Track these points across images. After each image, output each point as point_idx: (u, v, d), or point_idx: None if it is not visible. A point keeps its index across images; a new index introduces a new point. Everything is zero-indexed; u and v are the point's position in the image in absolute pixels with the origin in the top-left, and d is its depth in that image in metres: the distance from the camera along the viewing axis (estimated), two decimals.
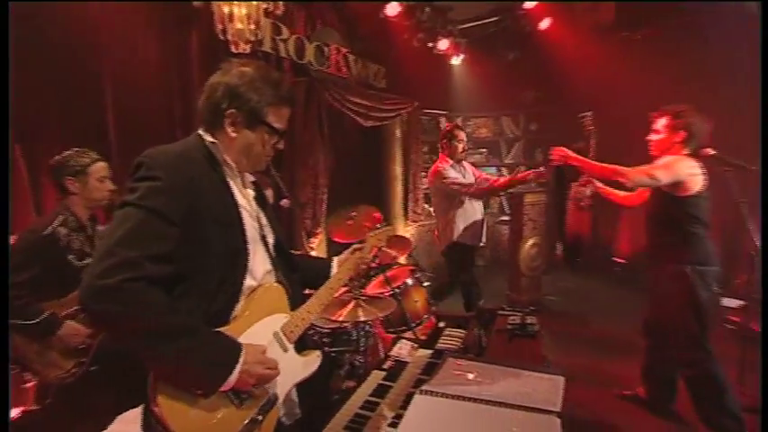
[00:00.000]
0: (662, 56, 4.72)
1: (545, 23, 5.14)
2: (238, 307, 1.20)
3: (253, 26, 2.52)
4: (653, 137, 2.45)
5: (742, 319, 3.12)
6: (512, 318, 1.65)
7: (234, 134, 1.21)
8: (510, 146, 6.50)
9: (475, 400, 1.08)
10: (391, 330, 2.59)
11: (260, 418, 1.16)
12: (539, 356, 1.45)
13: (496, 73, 5.88)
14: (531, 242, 4.65)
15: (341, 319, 2.20)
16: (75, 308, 1.88)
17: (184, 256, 1.09)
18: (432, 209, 3.67)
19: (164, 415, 1.01)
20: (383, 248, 2.91)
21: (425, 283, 3.06)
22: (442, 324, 1.80)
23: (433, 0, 5.05)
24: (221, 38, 2.63)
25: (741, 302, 3.67)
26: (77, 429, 1.91)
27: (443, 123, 6.28)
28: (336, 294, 2.55)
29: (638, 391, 2.72)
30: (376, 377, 1.60)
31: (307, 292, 1.47)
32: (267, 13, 3.29)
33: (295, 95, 1.30)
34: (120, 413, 1.50)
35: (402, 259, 3.45)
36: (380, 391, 1.43)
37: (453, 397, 1.10)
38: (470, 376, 1.23)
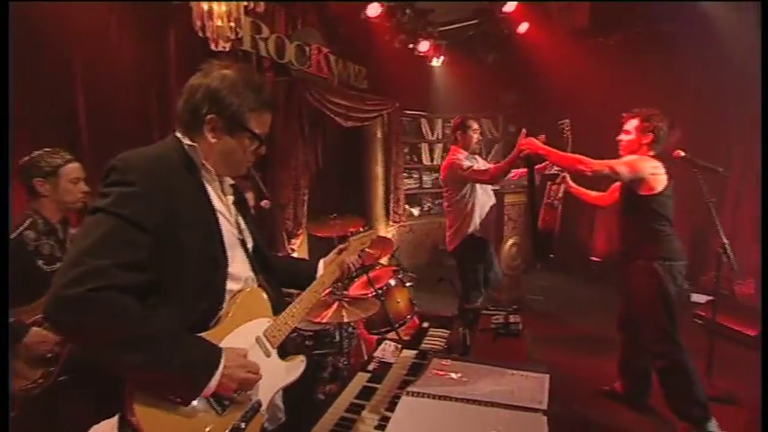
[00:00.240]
0: (633, 60, 4.88)
1: (523, 27, 5.21)
2: (219, 313, 1.17)
3: (233, 24, 2.48)
4: (623, 137, 2.55)
5: (709, 313, 3.24)
6: (495, 317, 1.66)
7: (213, 140, 1.17)
8: (489, 147, 6.58)
9: (462, 400, 1.08)
10: (374, 331, 2.59)
11: (243, 425, 1.13)
12: (523, 355, 1.47)
13: (476, 75, 5.94)
14: (511, 242, 4.72)
15: (324, 320, 2.17)
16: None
17: (160, 263, 1.05)
18: (444, 203, 3.45)
19: (140, 425, 0.98)
20: (366, 251, 2.92)
21: (408, 284, 3.07)
22: (425, 324, 1.80)
23: (414, 1, 5.07)
24: (200, 35, 2.57)
25: (709, 298, 3.81)
26: None
27: (424, 125, 6.32)
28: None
29: (615, 386, 2.79)
30: (360, 379, 1.58)
31: (294, 293, 1.45)
32: (247, 11, 3.24)
33: (277, 99, 1.27)
34: (93, 425, 1.44)
35: (384, 260, 3.45)
36: (365, 393, 1.42)
37: (440, 398, 1.10)
38: (456, 376, 1.23)
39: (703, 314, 3.72)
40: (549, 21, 5.33)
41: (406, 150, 6.17)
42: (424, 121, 6.31)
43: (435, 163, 6.42)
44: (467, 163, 3.25)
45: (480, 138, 3.48)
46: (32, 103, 2.39)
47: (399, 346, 1.77)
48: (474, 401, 1.07)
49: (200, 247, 1.12)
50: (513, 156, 3.16)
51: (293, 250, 3.78)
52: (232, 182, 1.33)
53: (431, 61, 5.63)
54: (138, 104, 2.97)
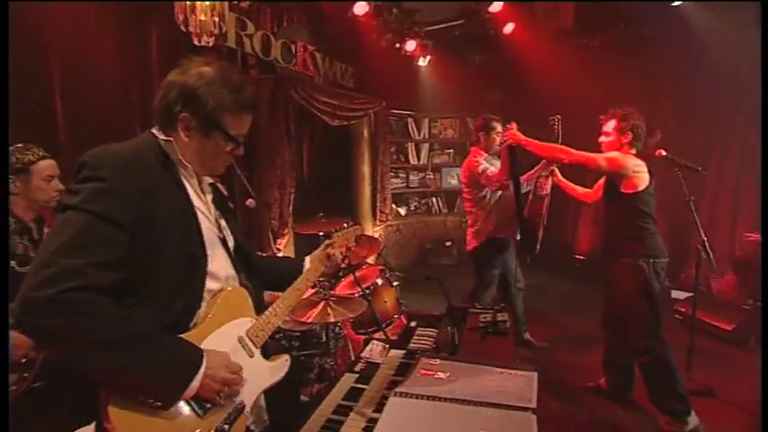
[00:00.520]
0: (616, 61, 4.97)
1: (509, 28, 5.25)
2: (200, 312, 1.13)
3: (216, 18, 2.43)
4: (603, 139, 2.60)
5: (689, 309, 3.31)
6: (483, 315, 1.66)
7: (187, 138, 1.14)
8: None
9: (450, 400, 1.06)
10: (361, 331, 2.56)
11: (226, 427, 1.10)
12: (510, 353, 1.46)
13: (463, 75, 5.96)
14: None
15: (309, 320, 2.14)
16: None
17: (136, 262, 1.01)
18: (465, 204, 3.42)
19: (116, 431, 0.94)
20: (352, 248, 2.89)
21: (395, 283, 3.05)
22: (413, 324, 1.78)
23: (401, 1, 5.06)
24: (182, 29, 2.51)
25: (689, 294, 3.89)
26: None
27: (411, 124, 6.32)
28: (304, 295, 2.51)
29: (600, 382, 2.82)
30: (348, 380, 1.56)
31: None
32: (232, 7, 3.19)
33: (258, 100, 1.23)
34: None
35: (371, 259, 3.43)
36: (353, 394, 1.39)
37: (428, 398, 1.08)
38: (444, 376, 1.22)
39: (683, 310, 3.79)
40: (535, 21, 5.38)
41: (392, 150, 6.17)
42: (410, 120, 6.31)
43: (422, 162, 6.43)
44: (483, 166, 3.21)
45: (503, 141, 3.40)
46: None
47: (387, 345, 1.76)
48: (462, 401, 1.06)
49: (177, 245, 1.08)
50: (504, 153, 3.18)
51: (279, 250, 3.73)
52: (211, 180, 1.30)
53: (417, 61, 5.64)
54: (120, 101, 2.90)
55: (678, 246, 4.30)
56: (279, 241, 3.72)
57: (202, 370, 1.03)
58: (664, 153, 2.66)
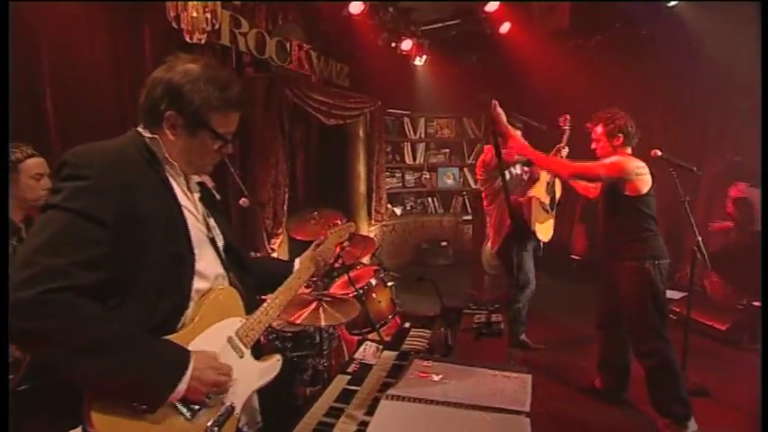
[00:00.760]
0: (612, 61, 4.99)
1: (505, 27, 5.24)
2: (187, 313, 1.11)
3: (208, 15, 2.39)
4: (595, 145, 2.58)
5: (684, 309, 3.31)
6: (477, 316, 1.64)
7: (173, 137, 1.12)
8: (472, 146, 6.60)
9: (443, 403, 1.05)
10: (355, 332, 2.54)
11: (215, 429, 1.08)
12: (504, 354, 1.45)
13: (459, 74, 5.96)
14: None
15: (300, 321, 2.12)
16: None
17: (120, 261, 0.99)
18: (484, 203, 3.41)
19: None
20: (346, 248, 2.87)
21: (390, 283, 3.03)
22: (407, 324, 1.76)
23: (397, 0, 5.04)
24: (174, 26, 2.48)
25: (683, 294, 3.89)
26: None
27: (407, 124, 6.30)
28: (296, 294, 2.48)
29: (595, 382, 2.81)
30: (340, 381, 1.54)
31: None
32: (225, 5, 3.16)
33: (245, 98, 1.21)
34: None
35: (366, 259, 3.41)
36: (345, 396, 1.38)
37: (420, 401, 1.06)
38: (437, 378, 1.20)
39: (677, 310, 3.79)
40: (531, 22, 5.38)
41: (388, 149, 6.16)
42: (406, 120, 6.30)
43: (418, 162, 6.42)
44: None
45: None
46: None
47: (380, 347, 1.74)
48: (455, 404, 1.04)
49: (163, 244, 1.06)
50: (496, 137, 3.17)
51: (273, 250, 3.71)
52: (199, 179, 1.28)
53: (413, 60, 5.63)
54: (112, 99, 2.87)
55: (673, 246, 4.30)
56: (273, 241, 3.70)
57: (189, 371, 1.01)
58: (659, 153, 2.65)
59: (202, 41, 2.50)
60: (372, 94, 5.20)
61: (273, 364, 1.30)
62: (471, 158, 6.58)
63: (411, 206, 6.49)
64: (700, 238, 2.63)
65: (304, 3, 4.38)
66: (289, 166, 4.02)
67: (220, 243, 1.26)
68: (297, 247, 3.54)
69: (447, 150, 6.59)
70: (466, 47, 5.92)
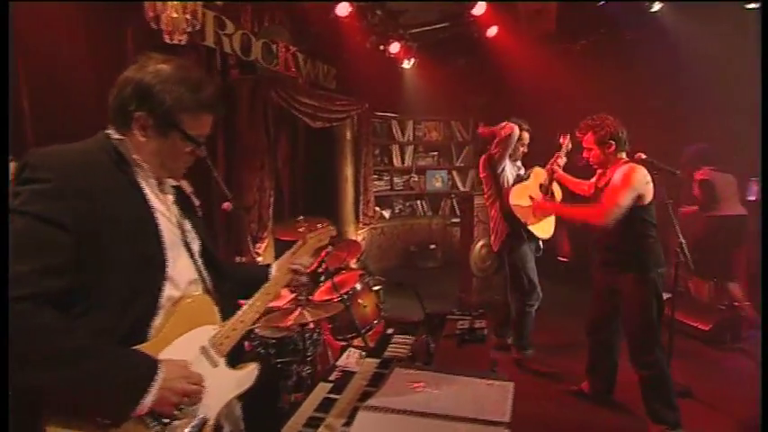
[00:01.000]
0: (598, 65, 5.05)
1: (492, 31, 5.27)
2: (157, 321, 1.07)
3: (188, 16, 2.35)
4: (586, 155, 2.53)
5: (668, 310, 3.33)
6: (461, 322, 1.62)
7: (143, 138, 1.09)
8: (460, 149, 6.62)
9: (421, 414, 1.02)
10: (340, 338, 2.51)
11: None
12: (487, 361, 1.43)
13: (447, 77, 5.96)
14: (481, 243, 4.72)
15: (288, 324, 2.09)
16: None
17: (85, 267, 0.96)
18: (486, 202, 3.39)
19: None
20: (331, 252, 2.84)
21: (377, 287, 3.02)
22: (390, 331, 1.74)
23: (384, 1, 5.03)
24: (154, 27, 2.43)
25: (667, 295, 3.92)
26: None
27: (395, 126, 6.29)
28: (277, 301, 2.44)
29: (582, 386, 2.81)
30: (322, 390, 1.51)
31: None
32: (210, 5, 3.12)
33: (219, 100, 1.19)
34: None
35: (354, 263, 3.38)
36: (326, 405, 1.35)
37: (399, 412, 1.04)
38: (417, 387, 1.18)
39: None
40: (518, 25, 5.41)
41: (376, 152, 6.14)
42: (394, 122, 6.29)
43: (406, 165, 6.42)
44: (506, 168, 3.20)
45: (526, 150, 3.36)
46: None
47: (364, 353, 1.71)
48: (434, 415, 1.02)
49: (132, 248, 1.03)
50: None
51: (258, 254, 3.66)
52: (175, 182, 1.24)
53: (402, 63, 5.63)
54: (93, 101, 2.80)
55: None
56: (258, 245, 3.65)
57: (158, 383, 0.97)
58: (643, 156, 2.66)
59: (183, 42, 2.45)
60: (360, 97, 5.18)
61: (249, 373, 1.27)
62: (460, 161, 6.60)
63: (400, 209, 6.47)
64: (683, 241, 2.65)
65: (290, 3, 4.34)
66: (274, 170, 3.98)
67: (196, 247, 1.23)
68: (283, 251, 3.51)
69: (435, 153, 6.60)
70: (454, 50, 5.94)
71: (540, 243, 3.33)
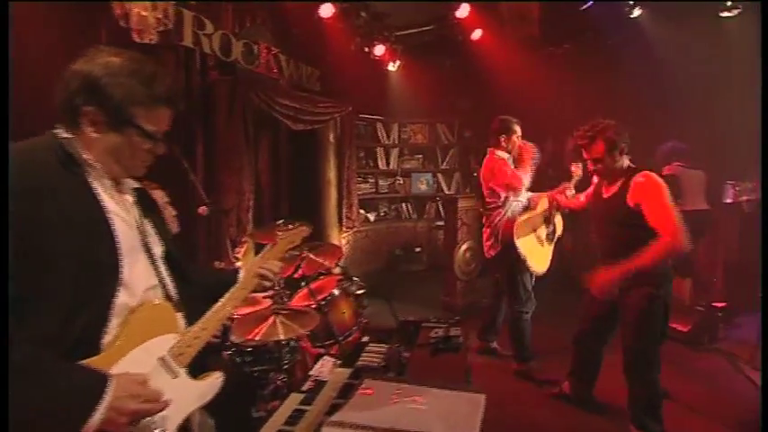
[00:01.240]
0: (581, 69, 5.10)
1: (477, 34, 5.28)
2: (111, 331, 1.01)
3: (159, 14, 2.28)
4: (595, 167, 2.30)
5: None
6: (435, 330, 1.59)
7: (95, 134, 1.03)
8: (445, 152, 6.61)
9: (387, 430, 0.99)
10: (318, 345, 2.45)
11: None
12: (462, 370, 1.40)
13: (432, 80, 5.96)
14: (465, 246, 4.72)
15: (257, 338, 2.03)
16: None
17: (26, 273, 0.90)
18: (489, 206, 3.24)
19: None
20: (311, 257, 2.78)
21: (359, 291, 2.96)
22: (365, 339, 1.70)
23: (368, 1, 5.01)
24: (123, 25, 2.35)
25: None
26: None
27: (380, 129, 6.26)
28: (254, 307, 2.38)
29: (563, 386, 2.80)
30: (293, 401, 1.47)
31: None
32: (187, 5, 3.05)
33: (176, 93, 1.13)
34: None
35: (334, 268, 3.32)
36: (296, 417, 1.31)
37: (364, 428, 1.00)
38: (386, 400, 1.14)
39: None
40: (503, 29, 5.43)
41: (361, 155, 6.10)
42: (379, 125, 6.26)
43: (391, 167, 6.39)
44: (510, 168, 3.13)
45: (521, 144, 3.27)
46: None
47: (339, 362, 1.67)
48: (400, 431, 0.98)
49: (79, 253, 0.97)
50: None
51: (238, 258, 3.58)
52: (136, 184, 1.19)
53: (387, 65, 5.61)
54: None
55: None
56: (237, 249, 3.57)
57: (106, 401, 0.90)
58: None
59: (154, 41, 2.37)
60: (344, 99, 5.14)
61: (212, 383, 1.21)
62: (445, 164, 6.59)
63: (384, 212, 6.44)
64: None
65: (272, 3, 4.28)
66: (254, 172, 3.91)
67: (158, 251, 1.18)
68: None
69: (420, 156, 6.58)
70: (439, 53, 5.94)
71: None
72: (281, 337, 2.01)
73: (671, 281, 2.28)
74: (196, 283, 1.31)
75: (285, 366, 2.29)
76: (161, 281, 1.16)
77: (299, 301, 2.50)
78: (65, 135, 1.03)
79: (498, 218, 3.19)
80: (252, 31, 4.10)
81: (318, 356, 1.70)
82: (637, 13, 4.51)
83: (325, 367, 1.72)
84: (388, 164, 6.36)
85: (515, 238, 2.97)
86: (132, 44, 2.72)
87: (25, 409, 0.85)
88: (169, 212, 1.94)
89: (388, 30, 5.38)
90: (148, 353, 1.07)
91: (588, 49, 5.13)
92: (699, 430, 2.57)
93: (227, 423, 1.54)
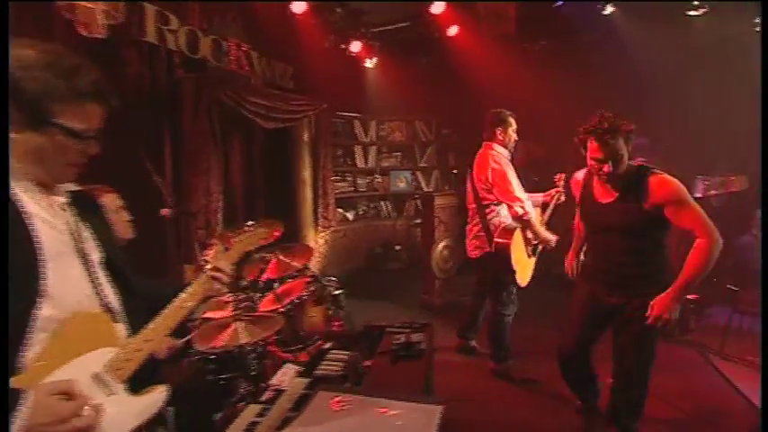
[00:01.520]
0: (557, 66, 5.12)
1: (453, 30, 5.25)
2: (35, 347, 0.94)
3: (106, 7, 2.16)
4: (607, 170, 1.98)
5: None
6: (397, 336, 1.54)
7: (13, 135, 0.95)
8: (423, 150, 6.58)
9: None
10: (286, 350, 2.39)
11: None
12: (422, 379, 1.35)
13: (410, 77, 5.91)
14: (443, 244, 4.70)
15: (221, 344, 1.96)
16: None
17: None
18: (485, 207, 3.09)
19: None
20: (281, 258, 2.70)
21: (336, 292, 2.90)
22: (327, 345, 1.65)
23: (344, 1, 4.93)
24: (67, 17, 2.22)
25: None
26: None
27: (358, 127, 6.18)
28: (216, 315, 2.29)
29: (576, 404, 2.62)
30: (251, 412, 1.41)
31: None
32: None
33: (107, 88, 1.06)
34: None
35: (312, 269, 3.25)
36: (251, 430, 1.25)
37: None
38: (339, 413, 1.09)
39: None
40: (479, 26, 5.42)
41: (339, 153, 6.02)
42: (357, 123, 6.18)
43: (370, 165, 6.33)
44: (508, 165, 3.01)
45: (517, 138, 3.17)
46: None
47: (301, 369, 1.62)
48: None
49: None
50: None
51: (207, 261, 3.48)
52: (76, 187, 1.11)
53: (364, 62, 5.54)
54: None
55: None
56: (206, 252, 3.47)
57: (17, 425, 0.82)
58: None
59: (102, 36, 2.24)
60: (320, 97, 5.06)
61: (155, 398, 1.13)
62: (423, 161, 6.56)
63: (364, 210, 6.37)
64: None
65: (240, 3, 4.18)
66: (224, 173, 3.81)
67: (95, 258, 1.10)
68: None
69: (399, 153, 6.53)
70: (416, 49, 5.90)
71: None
72: (244, 341, 1.93)
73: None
74: (140, 292, 1.23)
75: (253, 373, 2.22)
76: (98, 290, 1.08)
77: (265, 305, 2.43)
78: None
79: (491, 215, 3.06)
80: (221, 28, 3.99)
81: (280, 365, 1.64)
82: (609, 10, 4.54)
83: (286, 375, 1.66)
84: (366, 162, 6.29)
85: (510, 244, 2.90)
86: (90, 40, 2.60)
87: None
88: (121, 217, 1.85)
89: (365, 26, 5.31)
90: (80, 369, 0.99)
91: (564, 47, 5.16)
92: (671, 421, 2.58)
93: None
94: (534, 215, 3.02)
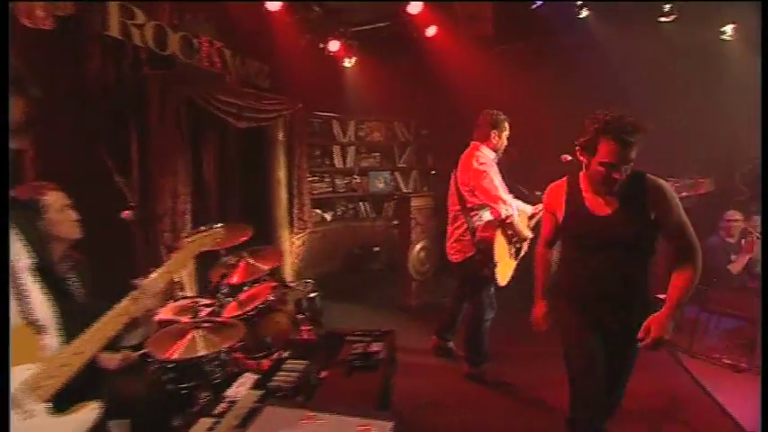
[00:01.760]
0: (534, 67, 5.17)
1: (431, 31, 5.23)
2: None
3: None
4: (619, 176, 1.74)
5: None
6: (355, 346, 1.49)
7: None
8: (402, 150, 6.55)
9: None
10: (250, 357, 2.30)
11: None
12: (378, 392, 1.31)
13: (389, 77, 5.87)
14: (419, 246, 4.67)
15: (176, 356, 1.87)
16: None
17: None
18: (469, 209, 3.01)
19: None
20: (250, 261, 2.62)
21: (313, 294, 2.83)
22: (285, 354, 1.59)
23: (323, 1, 4.86)
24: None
25: None
26: None
27: (336, 126, 6.11)
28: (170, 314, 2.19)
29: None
30: (202, 426, 1.34)
31: None
32: None
33: (26, 78, 0.98)
34: None
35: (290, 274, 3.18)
36: None
37: None
38: (286, 429, 1.04)
39: None
40: (457, 27, 5.41)
41: (317, 153, 5.94)
42: (335, 123, 6.11)
43: (348, 166, 6.26)
44: (492, 169, 2.94)
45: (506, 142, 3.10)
46: None
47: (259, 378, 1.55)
48: None
49: None
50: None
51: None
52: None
53: (342, 62, 5.47)
54: None
55: None
56: (171, 255, 3.36)
57: None
58: (569, 158, 2.64)
59: (47, 28, 2.11)
60: (298, 96, 4.97)
61: (84, 418, 1.05)
62: (402, 161, 6.53)
63: (342, 211, 6.30)
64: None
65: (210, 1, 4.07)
66: (193, 174, 3.70)
67: (23, 264, 1.02)
68: (201, 263, 3.26)
69: (378, 154, 6.48)
70: (395, 49, 5.85)
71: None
72: (202, 352, 1.85)
73: None
74: (83, 299, 1.15)
75: (216, 381, 2.14)
76: (19, 298, 1.00)
77: (229, 311, 2.35)
78: None
79: (475, 218, 3.00)
80: (192, 24, 3.87)
81: (236, 376, 1.57)
82: (585, 14, 4.58)
83: (243, 386, 1.60)
84: (345, 162, 6.22)
85: (494, 238, 2.87)
86: (36, 31, 2.46)
87: None
88: (67, 216, 1.74)
89: (343, 26, 5.25)
90: None
91: (541, 49, 5.19)
92: (637, 420, 2.57)
93: None
94: (517, 216, 2.97)
